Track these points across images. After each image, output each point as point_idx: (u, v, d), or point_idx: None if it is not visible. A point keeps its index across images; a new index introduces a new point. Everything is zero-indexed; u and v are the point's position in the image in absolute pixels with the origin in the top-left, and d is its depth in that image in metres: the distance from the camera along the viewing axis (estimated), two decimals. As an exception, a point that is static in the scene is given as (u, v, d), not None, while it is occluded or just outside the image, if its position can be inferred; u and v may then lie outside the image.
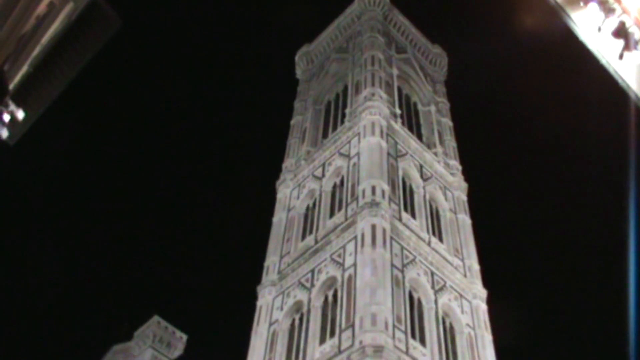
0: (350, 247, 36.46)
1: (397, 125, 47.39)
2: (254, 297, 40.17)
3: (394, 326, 31.49)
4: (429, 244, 39.70)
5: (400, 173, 43.21)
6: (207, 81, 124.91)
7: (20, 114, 13.86)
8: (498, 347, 37.18)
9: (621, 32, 12.41)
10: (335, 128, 50.09)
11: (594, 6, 12.64)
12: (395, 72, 54.86)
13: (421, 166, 46.13)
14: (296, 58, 66.38)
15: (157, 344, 68.29)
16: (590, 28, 12.73)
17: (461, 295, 38.73)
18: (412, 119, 52.37)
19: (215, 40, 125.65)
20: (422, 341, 33.43)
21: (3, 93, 13.63)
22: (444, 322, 36.15)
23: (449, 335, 35.97)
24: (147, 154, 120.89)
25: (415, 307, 35.16)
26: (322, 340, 33.54)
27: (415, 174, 44.61)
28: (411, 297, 35.26)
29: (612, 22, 12.51)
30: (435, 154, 49.21)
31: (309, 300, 36.33)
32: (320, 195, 43.81)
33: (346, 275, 34.95)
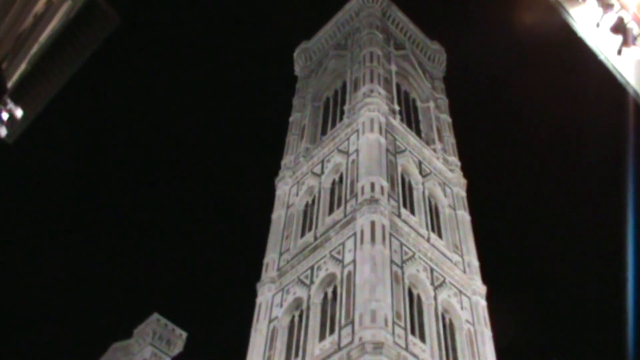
0: (349, 244, 36.48)
1: (396, 122, 47.39)
2: (253, 294, 40.20)
3: (393, 322, 31.51)
4: (428, 240, 39.73)
5: (399, 169, 43.22)
6: (206, 78, 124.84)
7: (18, 112, 13.84)
8: (497, 343, 37.25)
9: (620, 27, 12.41)
10: (334, 125, 50.10)
11: (592, 2, 12.64)
12: (393, 68, 54.85)
13: (420, 162, 46.15)
14: (295, 55, 66.36)
15: (157, 342, 68.30)
16: (588, 24, 12.73)
17: (460, 292, 38.76)
18: (410, 116, 52.37)
19: (213, 37, 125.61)
20: (422, 337, 33.47)
21: (1, 91, 13.61)
22: (443, 319, 36.18)
23: (448, 331, 36.01)
24: (146, 151, 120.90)
25: (414, 303, 35.19)
26: (322, 337, 33.56)
27: (414, 171, 44.63)
28: (411, 294, 35.29)
29: (611, 18, 12.50)
30: (434, 150, 49.23)
31: (309, 297, 36.35)
32: (320, 192, 43.82)
33: (345, 271, 34.96)
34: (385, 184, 39.44)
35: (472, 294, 39.22)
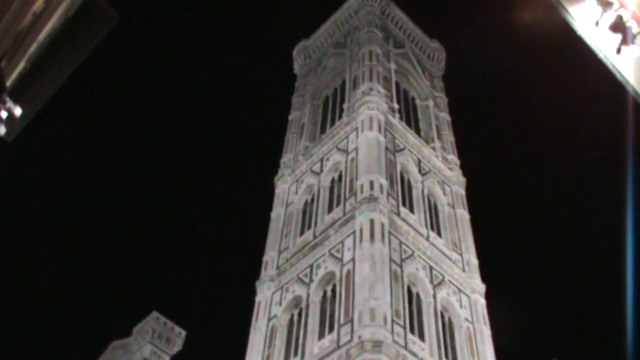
0: (348, 242, 36.48)
1: (395, 120, 47.39)
2: (252, 293, 40.20)
3: (392, 321, 31.52)
4: (427, 238, 39.74)
5: (399, 168, 43.22)
6: (205, 76, 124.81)
7: (17, 111, 13.84)
8: (497, 342, 37.28)
9: (619, 26, 12.41)
10: (333, 123, 50.09)
11: (591, 0, 12.65)
12: (393, 66, 54.86)
13: (419, 161, 46.15)
14: (294, 53, 66.34)
15: (156, 340, 68.30)
16: (588, 22, 12.73)
17: (460, 290, 38.78)
18: (410, 114, 52.36)
19: (212, 35, 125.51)
20: (421, 336, 33.47)
21: (0, 90, 13.60)
22: (442, 317, 36.18)
23: (447, 329, 36.01)
24: (145, 149, 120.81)
25: (414, 301, 35.19)
26: (321, 335, 33.56)
27: (413, 169, 44.63)
28: (410, 292, 35.29)
29: (610, 16, 12.50)
30: (434, 148, 49.23)
31: (308, 296, 36.35)
32: (319, 190, 43.82)
33: (345, 270, 34.96)
34: (385, 183, 39.44)
35: (472, 293, 39.24)
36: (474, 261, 41.51)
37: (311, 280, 36.96)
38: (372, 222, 35.99)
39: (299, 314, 36.40)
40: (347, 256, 35.63)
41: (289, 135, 53.47)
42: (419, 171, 45.00)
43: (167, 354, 68.86)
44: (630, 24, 12.39)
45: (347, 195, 40.21)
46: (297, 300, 37.14)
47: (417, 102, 55.14)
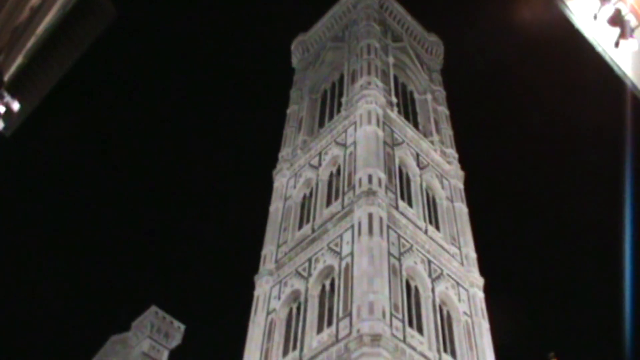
0: (347, 236, 36.52)
1: (394, 114, 47.42)
2: (251, 287, 40.26)
3: (391, 315, 31.58)
4: (425, 232, 39.79)
5: (397, 161, 43.25)
6: (203, 70, 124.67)
7: (15, 106, 13.82)
8: (495, 335, 37.35)
9: (617, 19, 12.37)
10: (331, 117, 50.11)
11: (589, -6, 12.62)
12: (391, 60, 54.85)
13: (417, 155, 46.18)
14: (292, 47, 66.27)
15: (155, 334, 68.29)
16: (586, 16, 12.70)
17: (458, 284, 38.84)
18: (408, 108, 52.39)
19: (210, 29, 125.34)
20: (420, 329, 33.54)
21: (-2, 85, 13.59)
22: (441, 311, 36.25)
23: (446, 323, 36.09)
24: (143, 144, 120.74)
25: (412, 295, 35.26)
26: (320, 329, 33.62)
27: (411, 163, 44.66)
28: (408, 286, 35.35)
29: (608, 10, 12.47)
30: (432, 142, 49.28)
31: (306, 290, 36.41)
32: (317, 184, 43.85)
33: (343, 264, 35.01)
34: (383, 176, 39.47)
35: (470, 286, 39.31)
36: (473, 255, 41.59)
37: (310, 274, 37.00)
38: (370, 215, 36.03)
39: (298, 308, 36.46)
40: (346, 250, 35.67)
41: (287, 129, 53.47)
42: (418, 165, 45.03)
43: (166, 348, 68.87)
44: (629, 17, 12.35)
45: (346, 189, 40.24)
46: (295, 294, 37.19)
47: (416, 95, 55.16)
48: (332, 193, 41.99)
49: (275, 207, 45.34)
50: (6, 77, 14.29)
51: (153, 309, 69.53)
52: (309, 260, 37.96)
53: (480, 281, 39.97)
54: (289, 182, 46.98)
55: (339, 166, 43.28)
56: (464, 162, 49.99)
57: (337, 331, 31.74)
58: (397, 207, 39.13)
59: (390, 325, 30.97)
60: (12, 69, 14.64)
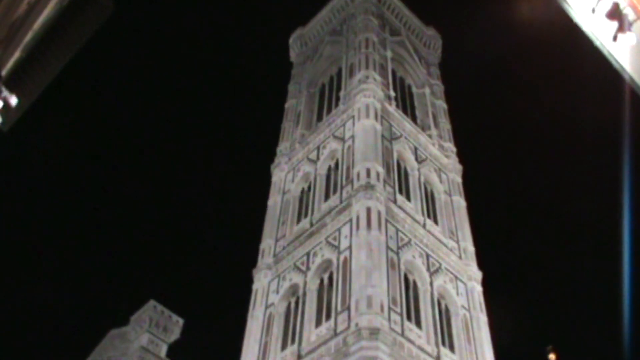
0: (345, 230, 36.53)
1: (392, 108, 47.38)
2: (249, 281, 40.30)
3: (389, 308, 31.62)
4: (424, 226, 39.81)
5: (395, 155, 43.23)
6: (201, 65, 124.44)
7: (13, 100, 13.82)
8: (493, 329, 37.42)
9: (615, 13, 12.38)
10: (329, 111, 50.06)
11: (588, -12, 12.62)
12: (389, 54, 54.78)
13: (416, 148, 46.16)
14: (290, 41, 66.14)
15: (154, 329, 68.27)
16: (584, 10, 12.71)
17: (456, 277, 38.88)
18: (406, 102, 52.33)
19: (208, 24, 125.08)
20: (418, 323, 33.58)
21: (-5, 79, 13.58)
22: (439, 304, 36.30)
23: (444, 317, 36.13)
24: (141, 138, 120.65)
25: (410, 289, 35.29)
26: (318, 323, 33.66)
27: (409, 157, 44.65)
28: (406, 280, 35.38)
29: (606, 4, 12.48)
30: (430, 136, 49.25)
31: (305, 283, 36.44)
32: (315, 178, 43.84)
33: (342, 258, 35.03)
34: (381, 170, 39.47)
35: (468, 280, 39.36)
36: (471, 249, 41.64)
37: (308, 268, 37.03)
38: (368, 209, 36.04)
39: (296, 302, 36.49)
40: (344, 244, 35.69)
41: (285, 123, 53.43)
42: (416, 159, 45.02)
43: (164, 342, 68.84)
44: (627, 11, 12.37)
45: (344, 183, 40.24)
46: (294, 288, 37.23)
47: (414, 89, 55.09)
48: (331, 187, 41.98)
49: (274, 201, 45.36)
50: (4, 72, 14.29)
51: (152, 303, 69.51)
52: (307, 254, 37.98)
53: (478, 275, 40.01)
54: (287, 176, 46.97)
55: (337, 160, 43.27)
56: (462, 156, 50.05)
57: (336, 325, 31.77)
58: (395, 201, 39.14)
59: (389, 319, 31.00)
60: (10, 63, 14.64)
